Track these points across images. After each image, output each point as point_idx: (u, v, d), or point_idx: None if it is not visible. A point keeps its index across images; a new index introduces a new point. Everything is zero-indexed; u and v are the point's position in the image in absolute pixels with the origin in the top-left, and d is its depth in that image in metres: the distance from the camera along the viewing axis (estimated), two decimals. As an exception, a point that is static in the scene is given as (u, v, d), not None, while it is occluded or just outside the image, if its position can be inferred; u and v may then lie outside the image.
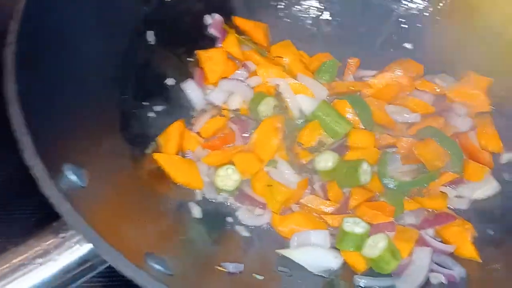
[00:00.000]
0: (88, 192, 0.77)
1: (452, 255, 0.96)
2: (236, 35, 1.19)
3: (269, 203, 1.02)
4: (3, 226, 1.06)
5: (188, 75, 1.16)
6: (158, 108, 1.10)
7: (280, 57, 1.20)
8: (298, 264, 0.94)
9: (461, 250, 0.96)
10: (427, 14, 1.26)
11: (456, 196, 1.06)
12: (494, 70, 1.15)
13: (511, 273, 0.91)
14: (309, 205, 1.03)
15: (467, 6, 1.19)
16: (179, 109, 1.13)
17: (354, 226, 0.95)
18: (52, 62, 0.83)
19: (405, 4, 1.28)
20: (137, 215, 0.86)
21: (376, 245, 0.93)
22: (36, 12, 0.82)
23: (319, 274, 0.93)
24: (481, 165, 1.07)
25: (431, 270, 0.93)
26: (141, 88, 1.07)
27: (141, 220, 0.86)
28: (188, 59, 1.18)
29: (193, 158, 1.07)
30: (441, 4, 1.25)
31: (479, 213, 1.04)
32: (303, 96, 1.12)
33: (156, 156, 1.02)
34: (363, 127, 1.10)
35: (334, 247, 0.96)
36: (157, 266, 0.73)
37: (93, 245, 0.69)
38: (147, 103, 1.08)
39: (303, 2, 1.30)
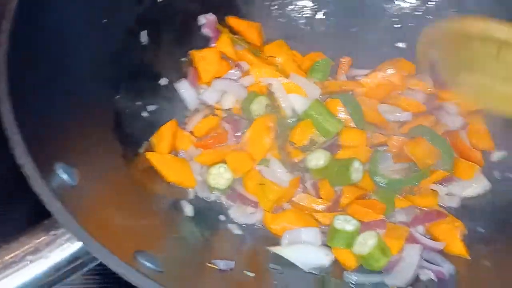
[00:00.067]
0: (79, 190, 0.78)
1: (441, 252, 0.97)
2: (229, 34, 1.20)
3: (261, 201, 1.02)
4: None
5: (181, 75, 1.17)
6: (151, 107, 1.10)
7: (273, 56, 1.20)
8: (290, 262, 0.95)
9: (451, 247, 0.97)
10: (419, 13, 1.27)
11: (447, 194, 1.07)
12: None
13: (500, 270, 0.92)
14: (301, 203, 1.04)
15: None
16: (172, 108, 1.13)
17: (345, 223, 0.96)
18: (44, 61, 0.84)
19: (397, 4, 1.29)
20: (128, 213, 0.87)
21: (366, 243, 0.93)
22: (29, 12, 0.83)
23: (310, 271, 0.94)
24: (471, 163, 1.08)
25: (421, 267, 0.93)
26: (134, 88, 1.08)
27: (133, 218, 0.87)
28: (181, 59, 1.19)
29: (186, 157, 1.08)
30: (432, 3, 1.26)
31: (469, 211, 1.05)
32: (296, 95, 1.13)
33: (149, 155, 1.03)
34: (354, 126, 1.11)
35: (325, 245, 0.97)
36: (148, 263, 0.73)
37: (83, 243, 0.70)
38: (140, 103, 1.09)
39: (296, 2, 1.31)
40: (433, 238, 0.99)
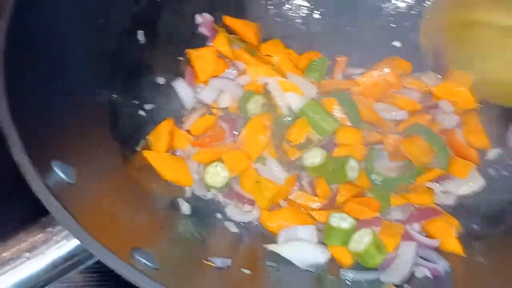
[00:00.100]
0: (76, 188, 0.79)
1: (437, 249, 0.97)
2: (225, 34, 1.20)
3: (257, 199, 1.03)
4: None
5: (178, 74, 1.17)
6: (149, 106, 1.11)
7: (270, 55, 1.21)
8: (286, 259, 0.95)
9: (446, 245, 0.97)
10: (415, 13, 1.27)
11: (443, 192, 1.07)
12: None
13: (495, 267, 0.92)
14: (297, 201, 1.04)
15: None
16: (169, 107, 1.14)
17: (341, 221, 0.96)
18: (41, 60, 0.85)
19: (393, 3, 1.29)
20: (125, 211, 0.88)
21: (362, 240, 0.94)
22: (25, 11, 0.83)
23: (307, 268, 0.95)
24: (467, 161, 1.08)
25: (416, 264, 0.94)
26: (132, 87, 1.09)
27: (130, 216, 0.87)
28: (178, 58, 1.20)
29: (183, 156, 1.08)
30: (428, 3, 1.26)
31: (464, 209, 1.05)
32: (292, 94, 1.13)
33: (146, 153, 1.03)
34: (350, 125, 1.11)
35: (321, 242, 0.98)
36: (144, 261, 0.74)
37: (80, 240, 0.70)
38: (137, 102, 1.09)
39: (293, 1, 1.31)
40: (429, 236, 1.00)
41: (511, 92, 1.11)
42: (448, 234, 0.98)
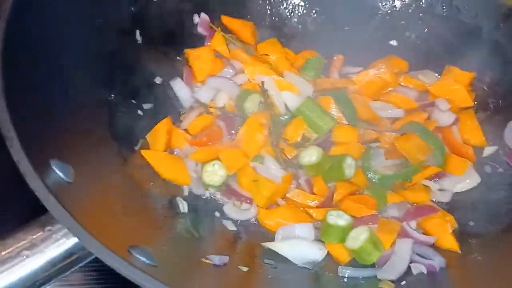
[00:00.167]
0: (75, 187, 0.79)
1: (433, 246, 0.98)
2: (222, 33, 1.21)
3: (255, 198, 1.04)
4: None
5: (176, 74, 1.18)
6: (147, 106, 1.12)
7: (266, 55, 1.22)
8: (283, 257, 0.96)
9: (442, 241, 0.98)
10: (411, 12, 1.28)
11: (439, 189, 1.08)
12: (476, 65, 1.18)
13: (489, 263, 0.93)
14: (294, 199, 1.05)
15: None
16: (167, 107, 1.15)
17: (338, 219, 0.97)
18: (39, 60, 0.85)
19: (390, 2, 1.30)
20: (124, 209, 0.88)
21: (358, 237, 0.95)
22: (23, 11, 0.84)
23: (304, 266, 0.95)
24: (463, 159, 1.09)
25: (412, 261, 0.94)
26: (130, 87, 1.09)
27: (128, 215, 0.88)
28: (176, 57, 1.20)
29: (181, 155, 1.09)
30: (423, 1, 1.27)
31: (460, 206, 1.06)
32: (289, 92, 1.14)
33: (144, 152, 1.04)
34: (347, 123, 1.12)
35: (319, 240, 0.99)
36: (143, 258, 0.74)
37: (78, 238, 0.71)
38: (135, 101, 1.10)
39: (289, 1, 1.32)
40: (425, 233, 1.00)
41: None
42: (444, 231, 0.99)
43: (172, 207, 1.00)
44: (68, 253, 0.73)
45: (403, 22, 1.28)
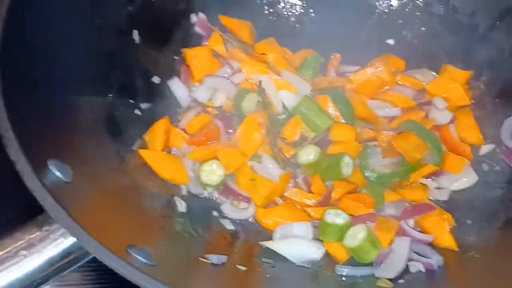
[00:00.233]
0: (73, 187, 0.79)
1: (430, 244, 0.98)
2: (219, 33, 1.21)
3: (253, 197, 1.04)
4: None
5: (173, 73, 1.18)
6: (144, 105, 1.12)
7: (264, 54, 1.22)
8: (282, 256, 0.96)
9: (439, 240, 0.98)
10: (408, 10, 1.28)
11: (437, 188, 1.08)
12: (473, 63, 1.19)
13: (487, 261, 0.93)
14: (292, 198, 1.05)
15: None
16: (165, 106, 1.15)
17: (335, 217, 0.97)
18: (37, 60, 0.85)
19: (387, 1, 1.30)
20: (122, 209, 0.88)
21: (356, 236, 0.95)
22: (21, 12, 0.84)
23: (302, 264, 0.96)
24: (460, 157, 1.09)
25: (410, 259, 0.95)
26: (127, 86, 1.09)
27: (126, 214, 0.88)
28: (174, 57, 1.20)
29: (179, 154, 1.09)
30: (421, 0, 1.27)
31: (458, 204, 1.06)
32: (286, 91, 1.14)
33: (142, 152, 1.04)
34: (344, 122, 1.12)
35: (317, 238, 0.99)
36: (141, 258, 0.75)
37: (76, 238, 0.71)
38: (133, 101, 1.10)
39: (287, 0, 1.32)
40: (423, 231, 1.01)
41: None
42: (442, 229, 0.99)
43: (170, 207, 1.00)
44: (66, 253, 0.73)
45: (400, 21, 1.29)
